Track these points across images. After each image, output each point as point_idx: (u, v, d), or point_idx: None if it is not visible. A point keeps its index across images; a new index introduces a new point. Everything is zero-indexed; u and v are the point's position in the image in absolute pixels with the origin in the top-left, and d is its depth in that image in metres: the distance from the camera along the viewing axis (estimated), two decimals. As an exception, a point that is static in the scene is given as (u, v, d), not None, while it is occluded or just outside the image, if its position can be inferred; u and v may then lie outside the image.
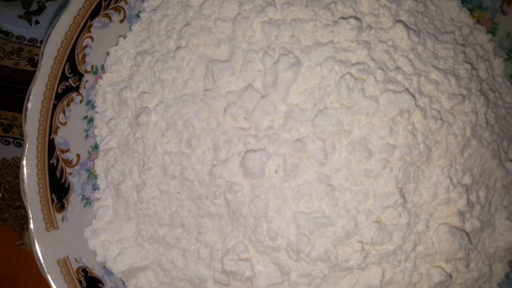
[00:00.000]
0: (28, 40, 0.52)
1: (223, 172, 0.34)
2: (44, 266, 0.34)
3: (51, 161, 0.36)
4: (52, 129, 0.36)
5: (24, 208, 0.50)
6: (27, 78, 0.49)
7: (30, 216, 0.34)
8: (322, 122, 0.32)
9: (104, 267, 0.37)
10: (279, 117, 0.33)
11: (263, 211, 0.32)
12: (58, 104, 0.37)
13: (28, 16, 0.53)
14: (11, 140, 0.50)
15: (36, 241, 0.34)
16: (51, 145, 0.36)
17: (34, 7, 0.53)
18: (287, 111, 0.33)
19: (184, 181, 0.35)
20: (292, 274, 0.32)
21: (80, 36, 0.37)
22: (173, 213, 0.36)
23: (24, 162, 0.35)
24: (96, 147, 0.39)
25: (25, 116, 0.35)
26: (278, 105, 0.33)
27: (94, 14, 0.37)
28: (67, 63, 0.37)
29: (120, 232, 0.37)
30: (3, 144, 0.51)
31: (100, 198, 0.38)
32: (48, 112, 0.36)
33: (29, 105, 0.35)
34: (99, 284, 0.36)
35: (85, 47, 0.38)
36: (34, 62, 0.50)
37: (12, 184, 0.51)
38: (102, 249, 0.36)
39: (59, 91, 0.37)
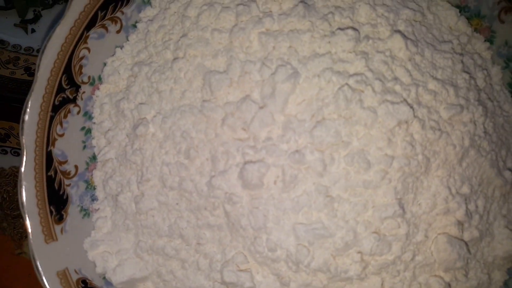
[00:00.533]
0: (24, 49, 0.52)
1: (221, 183, 0.34)
2: (43, 278, 0.34)
3: (49, 173, 0.36)
4: (49, 141, 0.36)
5: (22, 217, 0.51)
6: (24, 87, 0.49)
7: (29, 228, 0.34)
8: (320, 133, 0.32)
9: (104, 278, 0.37)
10: (277, 128, 0.33)
11: (262, 222, 0.33)
12: (55, 116, 0.37)
13: (24, 24, 0.53)
14: (8, 149, 0.50)
15: (35, 254, 0.34)
16: (49, 157, 0.36)
17: (30, 15, 0.53)
18: (285, 122, 0.33)
19: (183, 192, 0.35)
20: (292, 285, 0.33)
21: (77, 47, 0.37)
22: (172, 224, 0.36)
23: (22, 175, 0.35)
24: (94, 158, 0.39)
25: (22, 128, 0.35)
26: (276, 116, 0.33)
27: (90, 25, 0.37)
28: (64, 75, 0.37)
29: (119, 243, 0.37)
30: (1, 153, 0.51)
31: (98, 209, 0.38)
32: (45, 124, 0.36)
33: (26, 117, 0.35)
34: (99, 296, 0.36)
35: (82, 58, 0.38)
36: (30, 71, 0.50)
37: (10, 194, 0.51)
38: (102, 260, 0.36)
39: (56, 102, 0.37)
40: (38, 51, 0.52)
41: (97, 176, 0.39)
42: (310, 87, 0.33)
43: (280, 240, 0.32)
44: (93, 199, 0.39)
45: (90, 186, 0.39)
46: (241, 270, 0.33)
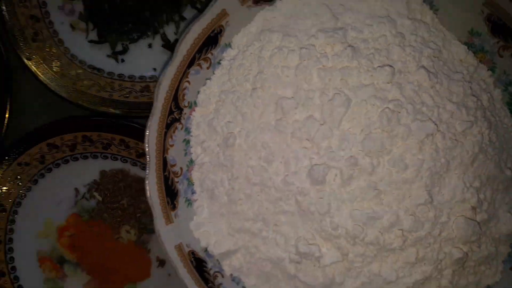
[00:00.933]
0: (117, 75, 0.61)
1: (294, 180, 0.43)
2: (167, 250, 0.44)
3: (165, 173, 0.46)
4: (164, 150, 0.46)
5: (120, 209, 0.61)
6: (122, 107, 0.59)
7: (155, 214, 0.45)
8: (369, 143, 0.41)
9: (206, 250, 0.47)
10: (335, 140, 0.42)
11: (326, 209, 0.42)
12: (168, 132, 0.47)
13: (115, 55, 0.61)
14: (109, 155, 0.60)
15: (160, 233, 0.44)
16: (164, 161, 0.46)
17: (119, 48, 0.62)
18: (341, 135, 0.42)
19: (263, 187, 0.45)
20: (350, 255, 0.42)
21: (181, 81, 0.47)
22: (255, 211, 0.45)
23: (148, 175, 0.45)
24: (191, 162, 0.49)
25: (147, 141, 0.45)
26: (334, 131, 0.43)
27: (190, 64, 0.47)
28: (173, 102, 0.47)
29: (216, 226, 0.47)
30: (102, 159, 0.60)
31: (197, 200, 0.48)
32: (162, 138, 0.46)
33: (148, 133, 0.45)
34: (203, 263, 0.46)
35: (184, 89, 0.47)
36: (125, 94, 0.60)
37: (111, 190, 0.60)
38: (204, 238, 0.46)
39: (168, 122, 0.47)
40: (129, 77, 0.61)
41: (195, 176, 0.48)
42: (360, 110, 0.43)
43: (340, 222, 0.42)
44: (193, 192, 0.48)
45: (190, 183, 0.49)
46: (310, 244, 0.43)
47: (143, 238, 0.60)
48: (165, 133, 0.46)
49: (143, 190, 0.59)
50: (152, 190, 0.45)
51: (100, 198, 0.61)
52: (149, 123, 0.45)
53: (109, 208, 0.61)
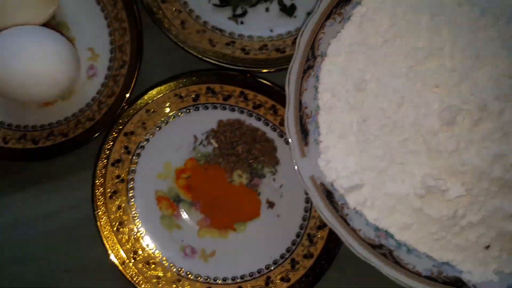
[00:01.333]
0: (238, 35, 0.68)
1: (423, 122, 0.48)
2: (303, 179, 0.50)
3: (300, 113, 0.52)
4: (301, 92, 0.52)
5: (234, 155, 0.67)
6: (242, 62, 0.65)
7: (293, 147, 0.51)
8: (497, 89, 0.44)
9: (332, 185, 0.52)
10: (465, 85, 0.47)
11: (455, 147, 0.47)
12: (303, 76, 0.53)
13: (235, 18, 0.69)
14: (227, 106, 0.67)
15: (298, 164, 0.50)
16: (300, 103, 0.52)
17: (239, 11, 0.69)
18: (471, 81, 0.47)
19: (392, 128, 0.50)
20: (474, 190, 0.46)
21: (318, 32, 0.53)
22: (382, 150, 0.50)
23: (288, 114, 0.51)
24: (318, 107, 0.55)
25: (288, 83, 0.51)
26: (464, 78, 0.47)
27: (327, 18, 0.53)
28: (310, 50, 0.53)
29: (342, 163, 0.52)
30: (221, 109, 0.67)
31: (322, 141, 0.54)
32: (299, 81, 0.52)
33: (291, 77, 0.51)
34: (331, 194, 0.52)
35: (320, 39, 0.53)
36: (245, 51, 0.66)
37: (227, 138, 0.67)
38: (331, 173, 0.52)
39: (305, 68, 0.53)
40: (248, 37, 0.68)
41: (321, 119, 0.54)
42: (488, 59, 0.46)
43: (468, 159, 0.46)
44: (318, 134, 0.54)
45: (316, 125, 0.54)
46: (437, 179, 0.48)
47: (253, 182, 0.67)
48: (302, 78, 0.52)
49: (256, 139, 0.67)
50: (291, 126, 0.51)
51: (216, 145, 0.68)
52: (290, 68, 0.51)
53: (224, 154, 0.67)
